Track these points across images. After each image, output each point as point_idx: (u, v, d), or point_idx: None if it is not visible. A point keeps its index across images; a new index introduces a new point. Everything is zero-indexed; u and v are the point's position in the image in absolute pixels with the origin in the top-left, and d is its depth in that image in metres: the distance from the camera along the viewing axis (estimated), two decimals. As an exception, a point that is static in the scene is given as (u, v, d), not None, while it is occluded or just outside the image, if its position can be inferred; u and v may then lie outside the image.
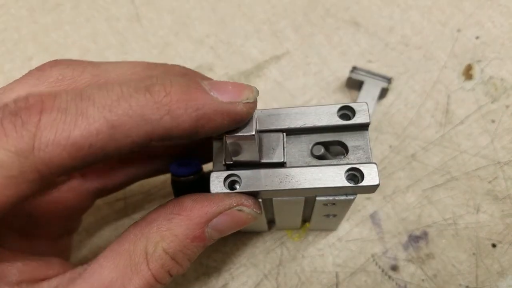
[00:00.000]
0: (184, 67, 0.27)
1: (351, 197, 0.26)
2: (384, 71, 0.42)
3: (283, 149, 0.25)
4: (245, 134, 0.22)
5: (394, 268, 0.36)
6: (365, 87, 0.40)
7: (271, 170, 0.25)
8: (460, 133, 0.40)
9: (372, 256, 0.36)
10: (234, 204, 0.24)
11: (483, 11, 0.45)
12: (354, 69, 0.41)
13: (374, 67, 0.43)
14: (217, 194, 0.24)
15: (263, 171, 0.25)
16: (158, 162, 0.32)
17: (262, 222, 0.34)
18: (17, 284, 0.22)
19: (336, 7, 0.46)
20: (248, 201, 0.25)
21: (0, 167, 0.18)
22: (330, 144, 0.26)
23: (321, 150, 0.25)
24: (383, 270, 0.36)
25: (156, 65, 0.26)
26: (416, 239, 0.37)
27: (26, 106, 0.19)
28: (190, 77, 0.26)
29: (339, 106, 0.26)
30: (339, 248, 0.37)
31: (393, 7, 0.46)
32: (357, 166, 0.24)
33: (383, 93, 0.40)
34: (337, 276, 0.36)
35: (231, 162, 0.25)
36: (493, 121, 0.40)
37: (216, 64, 0.45)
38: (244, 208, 0.24)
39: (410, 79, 0.42)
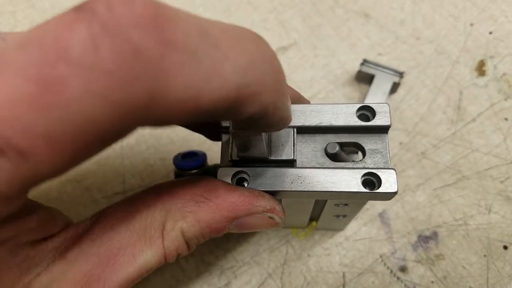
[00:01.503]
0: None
1: (365, 201, 0.24)
2: (394, 65, 0.41)
3: (293, 146, 0.23)
4: None
5: (403, 269, 0.35)
6: (375, 81, 0.38)
7: (282, 169, 0.23)
8: (472, 130, 0.39)
9: (381, 256, 0.35)
10: (268, 208, 0.22)
11: (497, 5, 0.44)
12: (364, 62, 0.39)
13: (384, 61, 0.41)
14: (252, 191, 0.22)
15: (273, 170, 0.23)
16: None
17: None
18: (18, 247, 0.19)
19: (345, -3, 0.45)
20: (280, 207, 0.23)
21: None
22: (346, 146, 0.24)
23: (336, 148, 0.24)
24: (391, 271, 0.35)
25: None
26: (426, 239, 0.36)
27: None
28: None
29: (358, 106, 0.24)
30: (346, 247, 0.36)
31: (405, -1, 0.44)
32: (374, 171, 0.22)
33: (394, 87, 0.39)
34: (344, 276, 0.35)
35: (238, 159, 0.24)
36: (506, 119, 0.39)
37: (220, 54, 0.43)
38: (275, 217, 0.23)
39: (422, 73, 0.41)
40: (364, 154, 0.24)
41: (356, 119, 0.24)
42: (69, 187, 0.38)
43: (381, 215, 0.36)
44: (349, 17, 0.44)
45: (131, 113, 0.12)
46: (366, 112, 0.24)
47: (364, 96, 0.40)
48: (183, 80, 0.13)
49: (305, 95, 0.41)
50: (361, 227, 0.36)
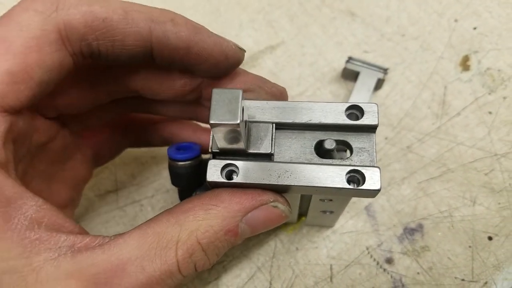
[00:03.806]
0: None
1: (349, 197, 0.25)
2: (380, 62, 0.42)
3: (271, 140, 0.24)
4: (229, 122, 0.21)
5: (389, 260, 0.36)
6: (360, 78, 0.39)
7: (270, 163, 0.24)
8: (457, 124, 0.40)
9: (367, 248, 0.36)
10: (271, 199, 0.24)
11: (481, 1, 0.45)
12: (349, 59, 0.40)
13: (370, 58, 0.42)
14: (254, 189, 0.24)
15: (261, 164, 0.24)
16: (147, 132, 0.34)
17: None
18: (36, 223, 0.21)
19: (332, -4, 0.46)
20: (283, 198, 0.24)
21: (25, 27, 0.21)
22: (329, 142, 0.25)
23: (333, 144, 0.24)
24: (378, 263, 0.36)
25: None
26: (412, 231, 0.36)
27: None
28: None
29: (348, 104, 0.25)
30: (333, 240, 0.36)
31: (390, -4, 0.45)
32: (359, 168, 0.23)
33: (379, 84, 0.40)
34: (331, 268, 0.36)
35: (217, 151, 0.24)
36: (490, 113, 0.40)
37: (210, 54, 0.44)
38: (279, 205, 0.24)
39: (407, 69, 0.42)
40: (351, 152, 0.25)
41: (345, 117, 0.25)
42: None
43: (367, 208, 0.37)
44: (335, 16, 0.45)
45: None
46: (355, 111, 0.25)
47: (350, 93, 0.40)
48: None
49: (293, 93, 0.42)
50: (347, 220, 0.37)
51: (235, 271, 0.36)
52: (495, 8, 0.44)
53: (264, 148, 0.24)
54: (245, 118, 0.23)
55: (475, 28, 0.44)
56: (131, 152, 0.39)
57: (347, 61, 0.40)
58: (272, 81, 0.43)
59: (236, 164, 0.24)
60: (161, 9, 0.24)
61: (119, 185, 0.39)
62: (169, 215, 0.23)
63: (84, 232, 0.23)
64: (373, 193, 0.23)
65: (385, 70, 0.40)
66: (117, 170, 0.39)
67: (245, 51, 0.27)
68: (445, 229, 0.36)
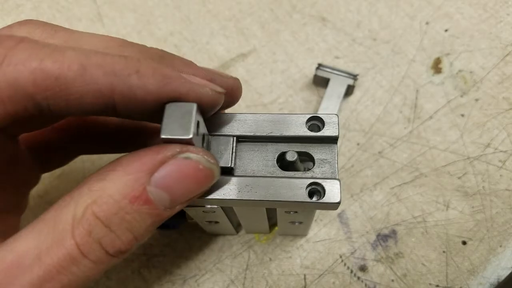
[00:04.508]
0: (161, 50, 0.25)
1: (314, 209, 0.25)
2: (351, 67, 0.42)
3: (232, 153, 0.24)
4: (182, 137, 0.20)
5: (363, 268, 0.35)
6: (330, 85, 0.39)
7: (230, 177, 0.23)
8: (429, 128, 0.39)
9: (340, 256, 0.36)
10: (178, 150, 0.20)
11: (452, 2, 0.45)
12: (319, 66, 0.40)
13: (341, 63, 0.42)
14: (158, 144, 0.21)
15: (222, 179, 0.23)
16: (102, 138, 0.31)
17: (227, 224, 0.33)
18: None
19: (302, 2, 0.45)
20: (198, 148, 0.21)
21: None
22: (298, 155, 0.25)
23: (294, 156, 0.24)
24: (351, 271, 0.35)
25: (132, 44, 0.24)
26: (385, 238, 0.36)
27: (7, 35, 0.20)
28: (166, 60, 0.24)
29: (308, 116, 0.25)
30: (307, 249, 0.36)
31: (361, 0, 0.45)
32: (320, 181, 0.23)
33: (350, 90, 0.39)
34: (305, 278, 0.35)
35: None
36: (462, 115, 0.40)
37: (181, 64, 0.43)
38: (192, 155, 0.20)
39: (378, 74, 0.41)
40: (313, 164, 0.25)
41: (306, 129, 0.24)
42: (31, 202, 0.39)
43: (340, 215, 0.37)
44: (306, 22, 0.44)
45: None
46: (317, 122, 0.25)
47: (322, 100, 0.40)
48: (27, 53, 0.19)
49: (266, 100, 0.41)
50: (321, 228, 0.37)
51: (208, 285, 0.35)
52: (466, 9, 0.44)
53: (224, 161, 0.24)
54: (202, 131, 0.23)
55: (446, 30, 0.43)
56: (100, 166, 0.39)
57: (317, 68, 0.40)
58: (245, 89, 0.42)
59: None
60: (125, 58, 0.20)
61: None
62: (67, 195, 0.20)
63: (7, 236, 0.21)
64: (333, 206, 0.23)
65: (354, 76, 0.39)
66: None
67: (224, 92, 0.23)
68: (418, 234, 0.36)
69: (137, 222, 0.20)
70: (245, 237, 0.37)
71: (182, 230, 0.37)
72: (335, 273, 0.35)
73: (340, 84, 0.39)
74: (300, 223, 0.31)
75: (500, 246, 0.36)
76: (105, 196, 0.19)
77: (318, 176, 0.24)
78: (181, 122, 0.20)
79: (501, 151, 0.38)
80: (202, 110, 0.22)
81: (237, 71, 0.43)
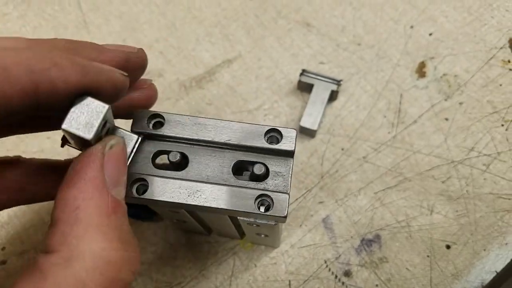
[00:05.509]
0: (69, 40, 0.24)
1: (272, 223, 0.25)
2: (336, 73, 0.42)
3: (131, 153, 0.24)
4: (82, 135, 0.20)
5: (348, 273, 0.35)
6: (314, 90, 0.39)
7: (184, 181, 0.24)
8: (413, 132, 0.39)
9: (325, 262, 0.36)
10: (100, 148, 0.21)
11: (436, 6, 0.45)
12: (303, 72, 0.40)
13: (326, 69, 0.42)
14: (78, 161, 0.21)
15: (174, 182, 0.24)
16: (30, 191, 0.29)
17: (194, 224, 0.32)
18: None
19: (287, 8, 0.45)
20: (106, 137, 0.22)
21: None
22: (253, 164, 0.25)
23: (262, 170, 0.24)
24: (336, 276, 0.35)
25: (38, 39, 0.23)
26: (369, 242, 0.36)
27: None
28: (78, 50, 0.23)
29: (268, 128, 0.25)
30: (292, 255, 0.36)
31: (345, 5, 0.45)
32: (270, 193, 0.23)
33: (334, 95, 0.40)
34: (290, 284, 0.35)
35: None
36: (446, 119, 0.40)
37: (166, 70, 0.44)
38: (112, 142, 0.22)
39: (362, 79, 0.42)
40: (267, 175, 0.25)
41: (263, 140, 0.25)
42: (19, 212, 0.39)
43: (325, 220, 0.37)
44: (291, 27, 0.45)
45: None
46: (276, 135, 0.25)
47: (306, 105, 0.40)
48: None
49: (251, 106, 0.42)
50: (305, 233, 0.37)
51: (193, 291, 0.35)
52: (451, 12, 0.44)
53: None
54: (105, 131, 0.22)
55: (431, 34, 0.44)
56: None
57: (301, 74, 0.40)
58: (230, 95, 0.43)
59: (147, 179, 0.24)
60: (40, 53, 0.20)
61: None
62: None
63: None
64: (280, 219, 0.24)
65: (338, 82, 0.39)
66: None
67: (126, 75, 0.23)
68: (402, 239, 0.36)
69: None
70: (230, 244, 0.37)
71: (168, 237, 0.37)
72: (319, 279, 0.35)
73: (324, 90, 0.39)
74: (266, 236, 0.31)
75: (484, 250, 0.36)
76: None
77: (270, 189, 0.24)
78: (87, 120, 0.20)
79: (485, 155, 0.38)
80: (116, 96, 0.23)
81: (222, 77, 0.43)
